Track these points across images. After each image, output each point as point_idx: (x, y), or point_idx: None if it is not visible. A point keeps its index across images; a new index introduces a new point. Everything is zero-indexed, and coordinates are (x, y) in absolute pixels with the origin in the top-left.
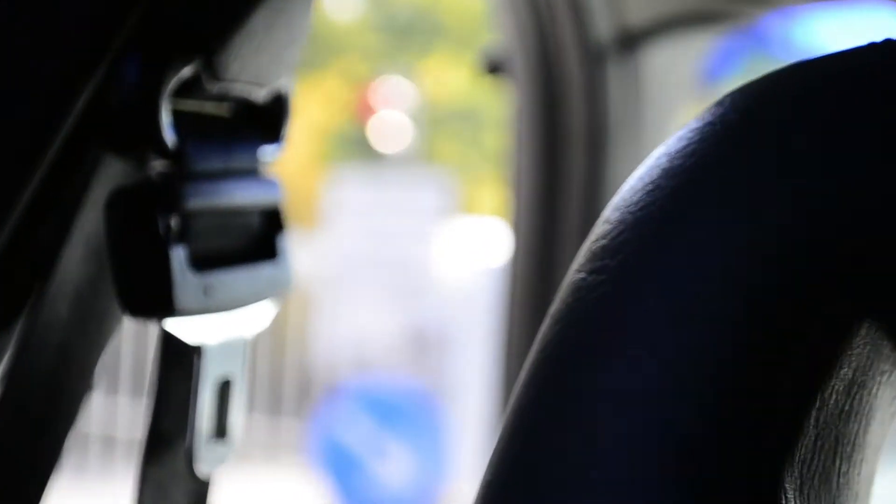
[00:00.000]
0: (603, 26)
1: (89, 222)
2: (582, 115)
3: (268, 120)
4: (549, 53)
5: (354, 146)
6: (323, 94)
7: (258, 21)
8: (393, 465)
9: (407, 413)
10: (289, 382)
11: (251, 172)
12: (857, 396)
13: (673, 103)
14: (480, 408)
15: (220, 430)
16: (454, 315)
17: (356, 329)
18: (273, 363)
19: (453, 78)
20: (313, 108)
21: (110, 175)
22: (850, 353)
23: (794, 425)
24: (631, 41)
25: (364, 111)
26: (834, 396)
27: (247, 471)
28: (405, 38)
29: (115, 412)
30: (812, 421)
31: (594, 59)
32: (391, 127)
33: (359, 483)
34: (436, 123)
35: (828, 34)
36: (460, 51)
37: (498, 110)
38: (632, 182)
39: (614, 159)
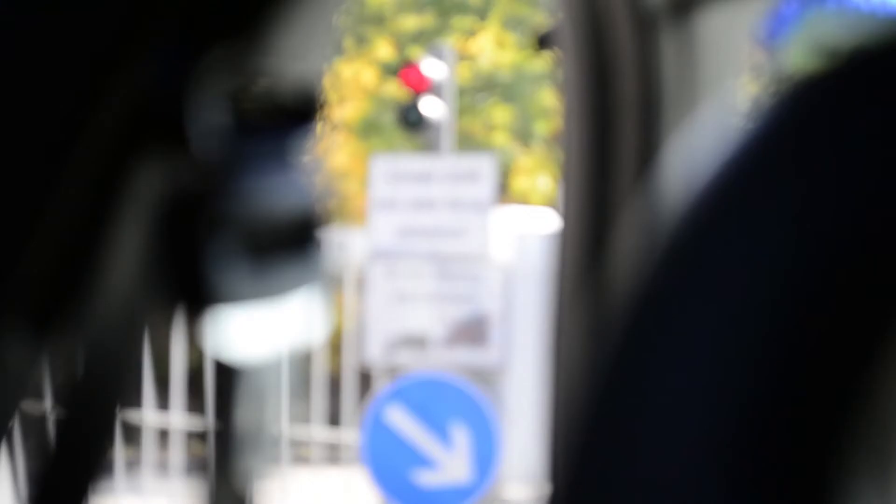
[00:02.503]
0: None
1: (137, 222)
2: (633, 85)
3: (306, 102)
4: (598, 20)
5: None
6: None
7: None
8: (446, 459)
9: (458, 406)
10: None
11: (291, 157)
12: None
13: (728, 71)
14: (531, 399)
15: (263, 432)
16: (504, 303)
17: (405, 322)
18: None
19: (488, 50)
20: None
21: (154, 172)
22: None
23: (840, 420)
24: (683, 5)
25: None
26: (880, 390)
27: (302, 473)
28: (438, 13)
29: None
30: (861, 415)
31: (645, 25)
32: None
33: (409, 478)
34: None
35: None
36: (487, 23)
37: (535, 83)
38: (693, 172)
39: (667, 131)
